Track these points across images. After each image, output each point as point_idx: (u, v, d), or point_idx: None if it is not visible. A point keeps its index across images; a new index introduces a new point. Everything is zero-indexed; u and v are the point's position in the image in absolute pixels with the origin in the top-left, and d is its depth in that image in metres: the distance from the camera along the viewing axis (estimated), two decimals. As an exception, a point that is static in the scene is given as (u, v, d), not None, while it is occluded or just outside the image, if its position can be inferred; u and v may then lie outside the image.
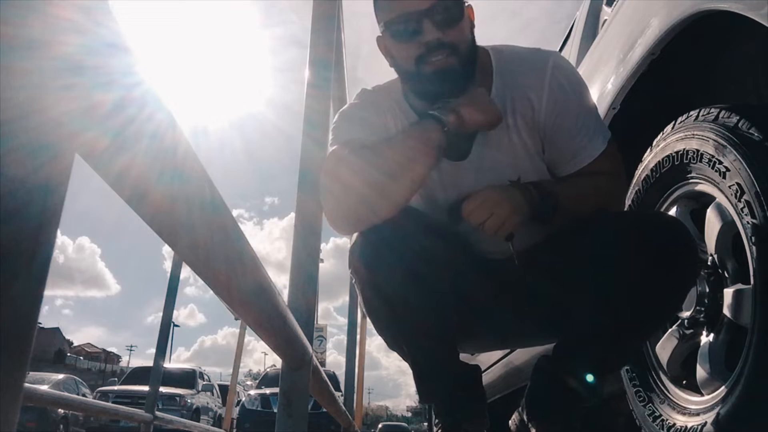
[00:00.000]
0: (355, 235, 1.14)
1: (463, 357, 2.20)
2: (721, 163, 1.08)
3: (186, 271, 5.02)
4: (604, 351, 1.12)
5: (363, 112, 1.22)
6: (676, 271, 1.03)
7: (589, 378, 1.12)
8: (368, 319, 1.23)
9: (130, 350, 61.81)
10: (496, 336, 1.40)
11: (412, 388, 1.32)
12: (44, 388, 5.48)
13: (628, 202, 1.40)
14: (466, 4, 1.15)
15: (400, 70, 1.17)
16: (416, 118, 1.20)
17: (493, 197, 1.09)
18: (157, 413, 2.89)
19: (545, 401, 1.20)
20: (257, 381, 12.34)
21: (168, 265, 3.35)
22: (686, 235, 1.06)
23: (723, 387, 1.07)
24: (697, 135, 1.16)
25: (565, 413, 1.18)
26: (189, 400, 10.55)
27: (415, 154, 1.06)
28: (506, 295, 1.24)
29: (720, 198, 1.12)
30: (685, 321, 1.22)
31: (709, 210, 1.16)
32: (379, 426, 35.00)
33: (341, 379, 7.13)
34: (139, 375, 10.72)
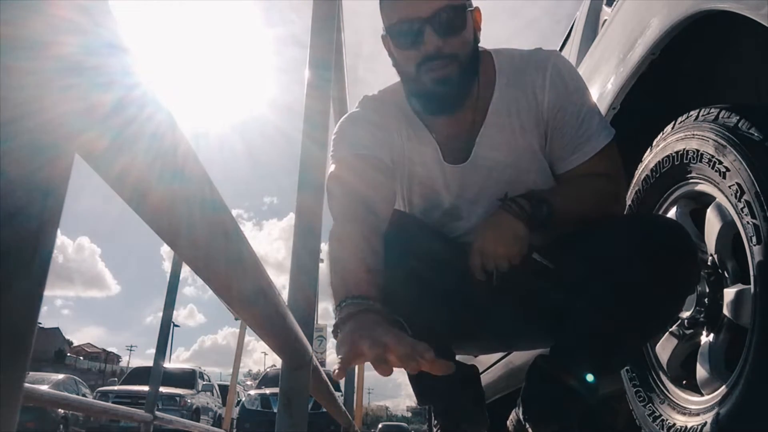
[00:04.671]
0: None
1: (463, 357, 2.19)
2: (721, 163, 1.08)
3: (185, 271, 5.02)
4: (603, 351, 1.11)
5: (364, 122, 1.21)
6: (677, 274, 1.03)
7: (588, 377, 1.12)
8: None
9: (130, 350, 61.85)
10: (496, 338, 1.40)
11: (411, 388, 1.32)
12: (44, 388, 5.48)
13: (627, 202, 1.40)
14: (473, 8, 1.15)
15: (401, 72, 1.18)
16: (419, 122, 1.21)
17: (488, 250, 1.08)
18: (157, 413, 2.89)
19: (541, 401, 1.19)
20: (257, 381, 12.34)
21: (168, 265, 3.35)
22: (686, 238, 1.06)
23: (723, 387, 1.07)
24: (697, 135, 1.16)
25: (561, 413, 1.18)
26: (189, 400, 10.55)
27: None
28: (506, 297, 1.24)
29: (720, 198, 1.12)
30: (685, 321, 1.22)
31: (709, 210, 1.16)
32: (379, 426, 34.98)
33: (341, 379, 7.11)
34: (139, 375, 10.72)
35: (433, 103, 1.15)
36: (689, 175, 1.21)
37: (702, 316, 1.17)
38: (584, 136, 1.15)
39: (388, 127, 1.21)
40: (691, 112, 1.21)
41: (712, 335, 1.15)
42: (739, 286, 1.08)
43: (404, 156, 1.22)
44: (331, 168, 1.15)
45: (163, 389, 6.62)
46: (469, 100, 1.16)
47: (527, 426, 1.21)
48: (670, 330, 1.28)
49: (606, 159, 1.16)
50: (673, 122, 1.27)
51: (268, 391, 9.59)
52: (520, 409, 1.23)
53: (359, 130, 1.19)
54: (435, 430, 1.28)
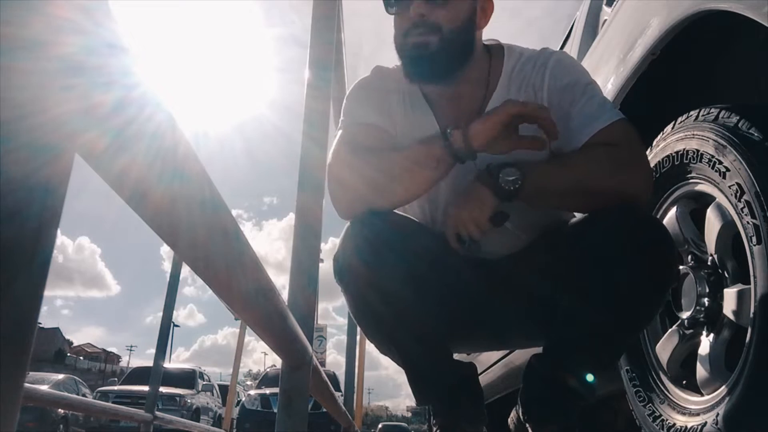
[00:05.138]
0: (341, 240, 1.14)
1: (461, 356, 2.19)
2: (721, 163, 1.08)
3: (185, 271, 5.03)
4: (594, 348, 1.11)
5: (371, 92, 1.24)
6: (661, 266, 1.03)
7: (584, 375, 1.12)
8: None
9: (130, 350, 61.84)
10: (489, 336, 1.40)
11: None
12: (44, 388, 5.48)
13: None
14: None
15: (395, 46, 1.19)
16: (427, 108, 1.21)
17: (454, 215, 1.10)
18: (157, 413, 2.89)
19: (540, 401, 1.20)
20: (257, 381, 12.34)
21: (167, 265, 3.35)
22: (663, 228, 1.08)
23: (723, 387, 1.07)
24: (697, 135, 1.16)
25: (561, 412, 1.18)
26: (189, 400, 10.55)
27: (418, 169, 1.08)
28: (498, 295, 1.24)
29: (720, 198, 1.12)
30: (685, 321, 1.22)
31: (709, 210, 1.16)
32: (379, 426, 35.02)
33: (341, 379, 7.13)
34: (139, 375, 10.72)
35: (411, 67, 1.16)
36: (689, 175, 1.21)
37: (702, 316, 1.17)
38: (582, 124, 1.12)
39: (388, 101, 1.23)
40: (691, 112, 1.21)
41: (712, 335, 1.15)
42: (739, 286, 1.08)
43: (405, 133, 1.22)
44: (336, 148, 1.17)
45: (163, 389, 6.63)
46: (462, 80, 1.17)
47: (528, 426, 1.21)
48: (670, 330, 1.28)
49: (611, 134, 1.09)
50: (673, 122, 1.27)
51: (268, 391, 9.59)
52: (521, 409, 1.24)
53: (366, 102, 1.22)
54: (434, 429, 1.27)
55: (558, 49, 2.56)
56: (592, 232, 1.06)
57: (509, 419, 1.33)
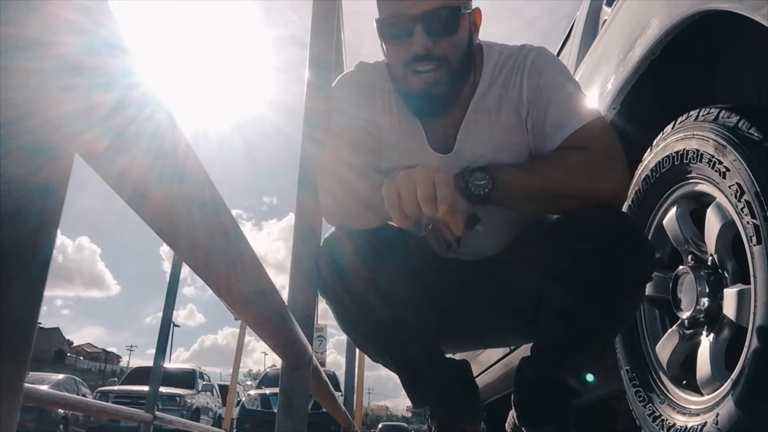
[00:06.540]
0: (321, 251, 1.12)
1: (462, 356, 2.18)
2: (721, 163, 1.08)
3: (185, 271, 5.03)
4: (580, 345, 1.11)
5: (358, 89, 1.20)
6: (635, 262, 1.03)
7: (576, 374, 1.13)
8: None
9: (130, 350, 61.89)
10: (478, 335, 1.40)
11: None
12: (44, 388, 5.48)
13: (627, 202, 1.40)
14: (471, 9, 1.14)
15: (389, 69, 1.17)
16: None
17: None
18: (157, 413, 2.89)
19: (533, 403, 1.20)
20: (257, 381, 12.35)
21: (167, 265, 3.36)
22: (637, 226, 1.11)
23: (723, 387, 1.07)
24: (697, 135, 1.16)
25: (555, 412, 1.18)
26: (189, 400, 10.55)
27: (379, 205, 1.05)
28: (481, 294, 1.24)
29: (720, 198, 1.12)
30: (685, 321, 1.22)
31: (709, 210, 1.16)
32: (379, 426, 35.01)
33: (341, 379, 7.14)
34: (139, 375, 10.73)
35: (422, 106, 1.14)
36: (689, 175, 1.21)
37: (702, 316, 1.17)
38: (558, 121, 1.10)
39: (372, 100, 1.19)
40: (691, 112, 1.21)
41: (712, 335, 1.15)
42: (739, 286, 1.08)
43: (390, 136, 1.20)
44: (325, 156, 1.14)
45: (163, 389, 6.63)
46: (459, 98, 1.16)
47: (523, 429, 1.21)
48: (670, 330, 1.28)
49: (586, 135, 1.08)
50: (673, 122, 1.27)
51: (268, 391, 9.60)
52: (515, 413, 1.24)
53: (349, 102, 1.19)
54: (433, 430, 1.27)
55: (558, 48, 2.57)
56: (568, 233, 1.06)
57: (506, 424, 1.34)
